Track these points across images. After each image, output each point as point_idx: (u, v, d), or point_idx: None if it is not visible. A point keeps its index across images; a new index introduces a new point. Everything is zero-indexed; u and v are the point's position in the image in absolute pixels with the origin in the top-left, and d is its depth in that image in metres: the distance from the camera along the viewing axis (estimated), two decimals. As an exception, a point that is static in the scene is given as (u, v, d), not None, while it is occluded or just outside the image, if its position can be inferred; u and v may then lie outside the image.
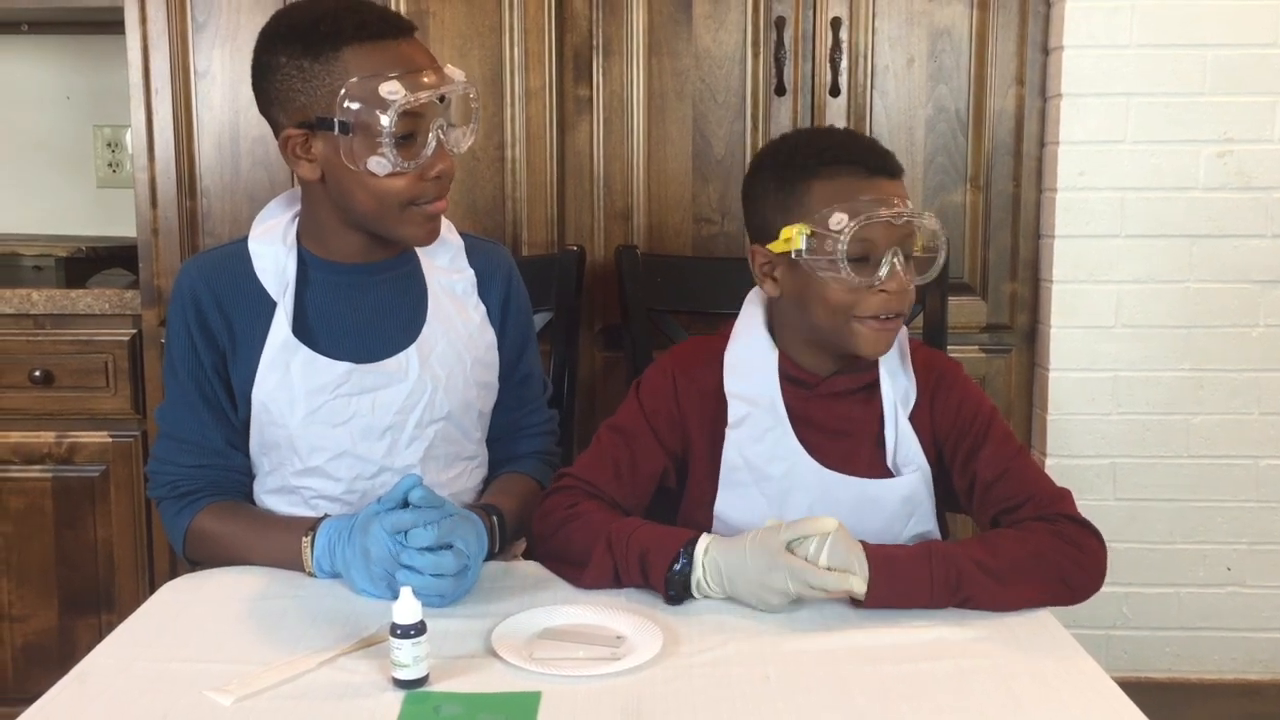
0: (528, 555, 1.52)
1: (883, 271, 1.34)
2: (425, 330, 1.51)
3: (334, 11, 1.39)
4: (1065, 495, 1.38)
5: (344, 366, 1.46)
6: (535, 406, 1.67)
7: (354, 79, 1.36)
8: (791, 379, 1.45)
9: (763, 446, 1.43)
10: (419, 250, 1.53)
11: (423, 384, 1.49)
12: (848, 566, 1.22)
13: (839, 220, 1.33)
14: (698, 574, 1.27)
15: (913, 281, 1.38)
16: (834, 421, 1.45)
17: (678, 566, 1.27)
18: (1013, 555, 1.28)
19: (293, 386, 1.46)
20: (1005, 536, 1.32)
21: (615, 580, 1.32)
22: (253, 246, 1.50)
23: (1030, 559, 1.29)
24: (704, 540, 1.29)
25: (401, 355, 1.49)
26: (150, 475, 1.53)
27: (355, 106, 1.35)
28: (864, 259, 1.35)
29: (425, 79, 1.38)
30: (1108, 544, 1.34)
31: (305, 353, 1.46)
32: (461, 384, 1.53)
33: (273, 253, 1.49)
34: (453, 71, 1.41)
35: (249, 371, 1.47)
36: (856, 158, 1.38)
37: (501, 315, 1.60)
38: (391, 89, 1.34)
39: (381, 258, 1.51)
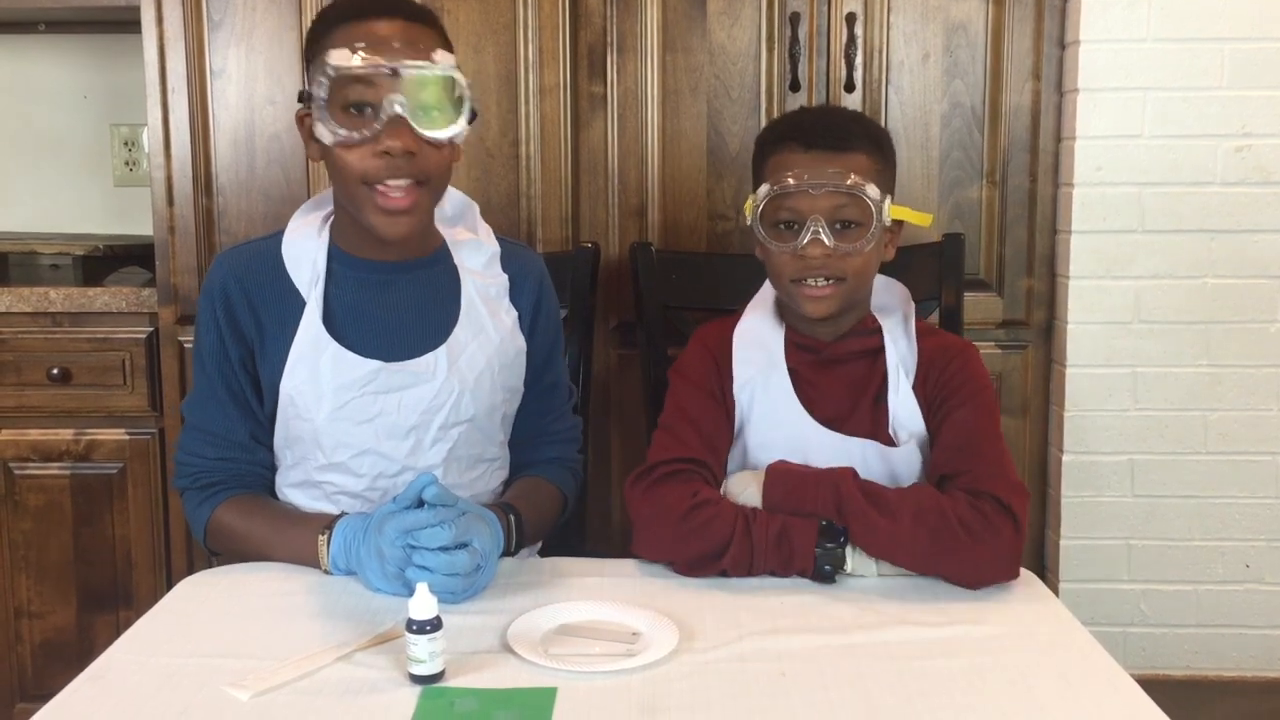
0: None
1: (801, 238, 1.44)
2: (456, 332, 1.51)
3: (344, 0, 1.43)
4: (1012, 486, 1.37)
5: (373, 364, 1.46)
6: (560, 413, 1.67)
7: (325, 51, 1.38)
8: (798, 345, 1.52)
9: (765, 408, 1.50)
10: (455, 251, 1.54)
11: (450, 385, 1.49)
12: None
13: (762, 190, 1.48)
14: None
15: (838, 247, 1.44)
16: (838, 384, 1.50)
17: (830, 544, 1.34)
18: (911, 504, 1.33)
19: (321, 381, 1.46)
20: (918, 489, 1.38)
21: (749, 566, 1.35)
22: (287, 241, 1.51)
23: (927, 513, 1.32)
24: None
25: (430, 356, 1.48)
26: (176, 466, 1.54)
27: (313, 75, 1.38)
28: (791, 225, 1.46)
29: (384, 52, 1.36)
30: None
31: (335, 348, 1.46)
32: (489, 388, 1.53)
33: (305, 247, 1.50)
34: (441, 56, 1.39)
35: (277, 366, 1.48)
36: (797, 134, 1.49)
37: (532, 321, 1.60)
38: (339, 56, 1.35)
39: (407, 256, 1.51)
